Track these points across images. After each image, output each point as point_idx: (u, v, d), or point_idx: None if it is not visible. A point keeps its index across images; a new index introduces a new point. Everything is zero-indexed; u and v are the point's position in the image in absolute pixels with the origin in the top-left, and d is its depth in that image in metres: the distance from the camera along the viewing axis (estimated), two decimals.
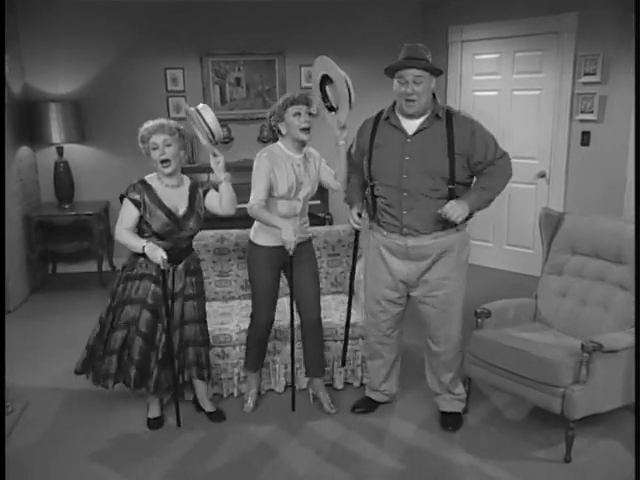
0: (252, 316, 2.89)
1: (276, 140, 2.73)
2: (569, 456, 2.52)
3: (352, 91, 2.57)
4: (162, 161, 2.51)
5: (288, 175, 2.66)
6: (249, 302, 3.31)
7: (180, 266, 2.63)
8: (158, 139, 2.49)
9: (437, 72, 2.48)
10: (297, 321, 2.86)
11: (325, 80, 2.63)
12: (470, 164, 2.49)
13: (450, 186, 2.48)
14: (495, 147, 2.51)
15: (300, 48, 4.96)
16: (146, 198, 2.51)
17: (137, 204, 2.50)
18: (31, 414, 2.92)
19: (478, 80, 4.72)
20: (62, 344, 3.71)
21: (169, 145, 2.50)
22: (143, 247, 2.47)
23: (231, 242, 3.37)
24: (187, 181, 2.66)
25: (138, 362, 2.60)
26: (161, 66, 4.91)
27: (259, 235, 2.77)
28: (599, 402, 2.51)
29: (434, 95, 2.51)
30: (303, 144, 2.69)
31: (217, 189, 2.62)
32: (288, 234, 2.53)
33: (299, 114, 2.59)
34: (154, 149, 2.50)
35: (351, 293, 2.88)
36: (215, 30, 4.89)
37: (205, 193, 2.66)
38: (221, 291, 3.36)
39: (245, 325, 3.01)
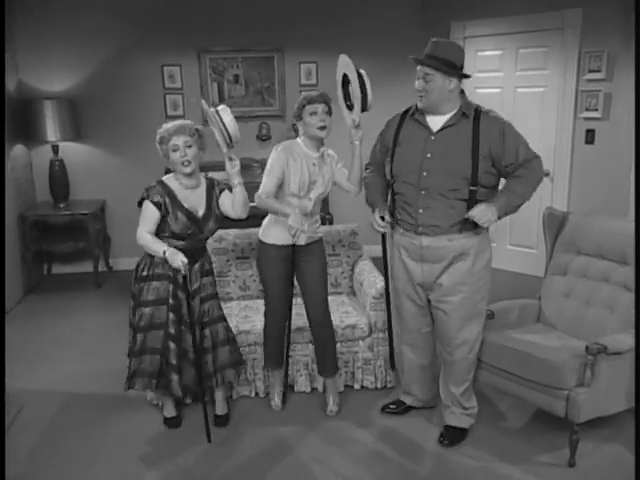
0: (266, 315, 2.86)
1: None
2: (573, 460, 2.49)
3: (369, 91, 2.58)
4: (183, 162, 2.50)
5: (302, 172, 2.64)
6: (248, 303, 3.29)
7: (196, 266, 2.63)
8: (179, 140, 2.48)
9: (450, 73, 2.38)
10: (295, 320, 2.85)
11: (346, 79, 2.65)
12: (499, 166, 2.41)
13: (472, 187, 2.40)
14: (527, 148, 2.44)
15: (299, 45, 4.92)
16: (167, 199, 2.51)
17: (159, 206, 2.49)
18: (26, 417, 2.89)
19: (480, 77, 4.67)
20: (58, 346, 3.68)
21: (189, 146, 2.50)
22: (164, 252, 2.47)
23: (229, 242, 3.33)
24: (203, 181, 2.65)
25: (176, 367, 2.61)
26: (158, 63, 4.86)
27: (269, 234, 2.75)
28: (604, 405, 2.48)
29: (462, 92, 2.47)
30: (321, 143, 2.69)
31: (231, 190, 2.61)
32: (295, 219, 2.51)
33: (315, 113, 2.59)
34: (174, 150, 2.50)
35: (387, 296, 2.79)
36: (213, 26, 4.84)
37: (220, 192, 2.65)
38: (219, 292, 3.29)
39: (244, 326, 2.98)
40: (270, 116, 5.02)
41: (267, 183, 2.61)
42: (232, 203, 2.59)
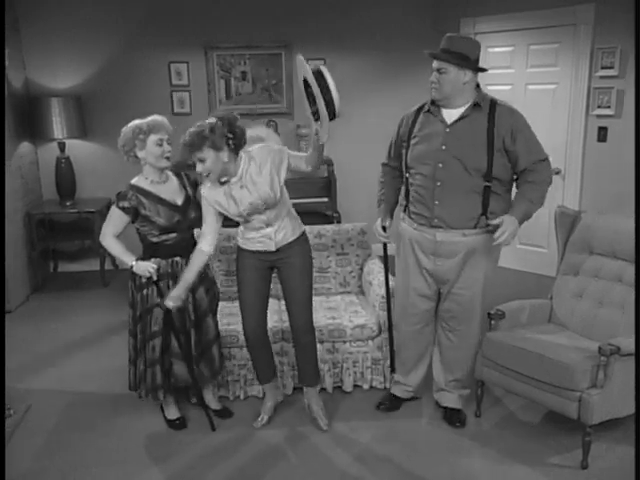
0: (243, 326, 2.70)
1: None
2: (586, 462, 2.46)
3: (334, 94, 2.19)
4: (166, 156, 2.55)
5: (229, 204, 2.48)
6: None
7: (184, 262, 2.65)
8: (163, 135, 2.53)
9: (464, 65, 2.42)
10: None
11: (306, 83, 2.29)
12: (511, 160, 2.45)
13: (486, 183, 2.43)
14: (537, 149, 2.46)
15: (307, 41, 4.87)
16: (143, 200, 2.52)
17: (127, 211, 2.52)
18: (34, 416, 2.88)
19: (491, 74, 4.53)
20: (64, 345, 3.67)
21: (169, 143, 2.55)
22: (132, 266, 2.54)
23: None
24: (171, 175, 2.66)
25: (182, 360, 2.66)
26: (165, 60, 4.84)
27: (239, 239, 2.65)
28: (617, 407, 2.45)
29: (478, 85, 2.51)
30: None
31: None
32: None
33: (160, 144, 2.52)
34: (158, 145, 2.52)
35: (389, 301, 2.86)
36: (220, 23, 4.81)
37: (195, 182, 2.66)
38: (227, 290, 3.29)
39: None
40: (277, 113, 4.99)
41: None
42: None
